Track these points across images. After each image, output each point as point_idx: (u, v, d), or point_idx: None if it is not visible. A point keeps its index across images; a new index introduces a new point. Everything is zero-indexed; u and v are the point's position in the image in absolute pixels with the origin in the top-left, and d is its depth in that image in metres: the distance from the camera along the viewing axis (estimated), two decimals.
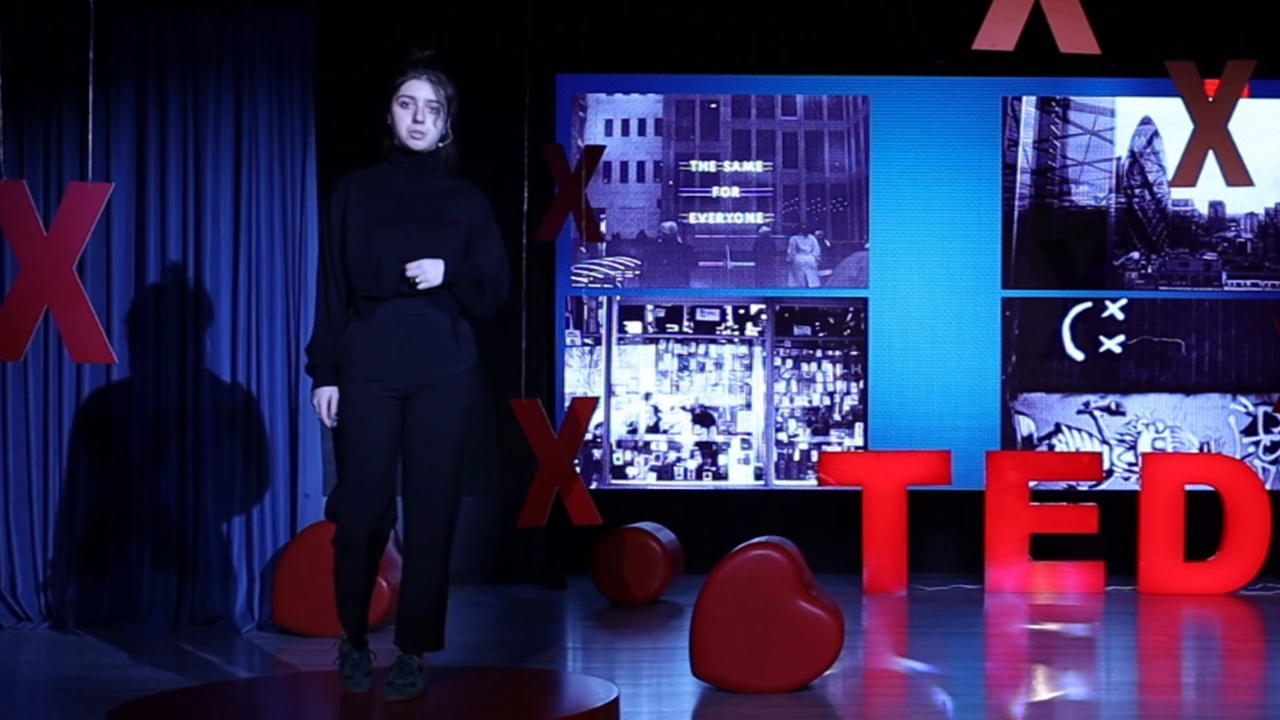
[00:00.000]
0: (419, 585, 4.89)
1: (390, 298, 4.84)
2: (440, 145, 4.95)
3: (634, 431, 8.99)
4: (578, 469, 7.41)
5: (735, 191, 9.06)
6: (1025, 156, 9.00)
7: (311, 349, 4.96)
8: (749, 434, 9.01)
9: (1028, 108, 9.00)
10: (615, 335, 9.00)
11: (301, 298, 7.04)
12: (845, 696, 5.65)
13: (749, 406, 9.02)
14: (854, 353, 9.00)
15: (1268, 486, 8.54)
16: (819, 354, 9.02)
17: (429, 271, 4.81)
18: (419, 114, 4.87)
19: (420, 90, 4.88)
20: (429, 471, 4.86)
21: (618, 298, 9.01)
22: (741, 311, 9.03)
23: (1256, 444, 8.97)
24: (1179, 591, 8.23)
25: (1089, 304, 9.02)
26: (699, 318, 9.03)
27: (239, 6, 7.05)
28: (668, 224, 9.05)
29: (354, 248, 4.86)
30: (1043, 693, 5.79)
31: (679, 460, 9.01)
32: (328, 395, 4.91)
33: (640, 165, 9.05)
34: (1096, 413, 9.00)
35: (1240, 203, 8.95)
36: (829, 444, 8.96)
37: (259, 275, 7.04)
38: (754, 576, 5.58)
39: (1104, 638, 7.10)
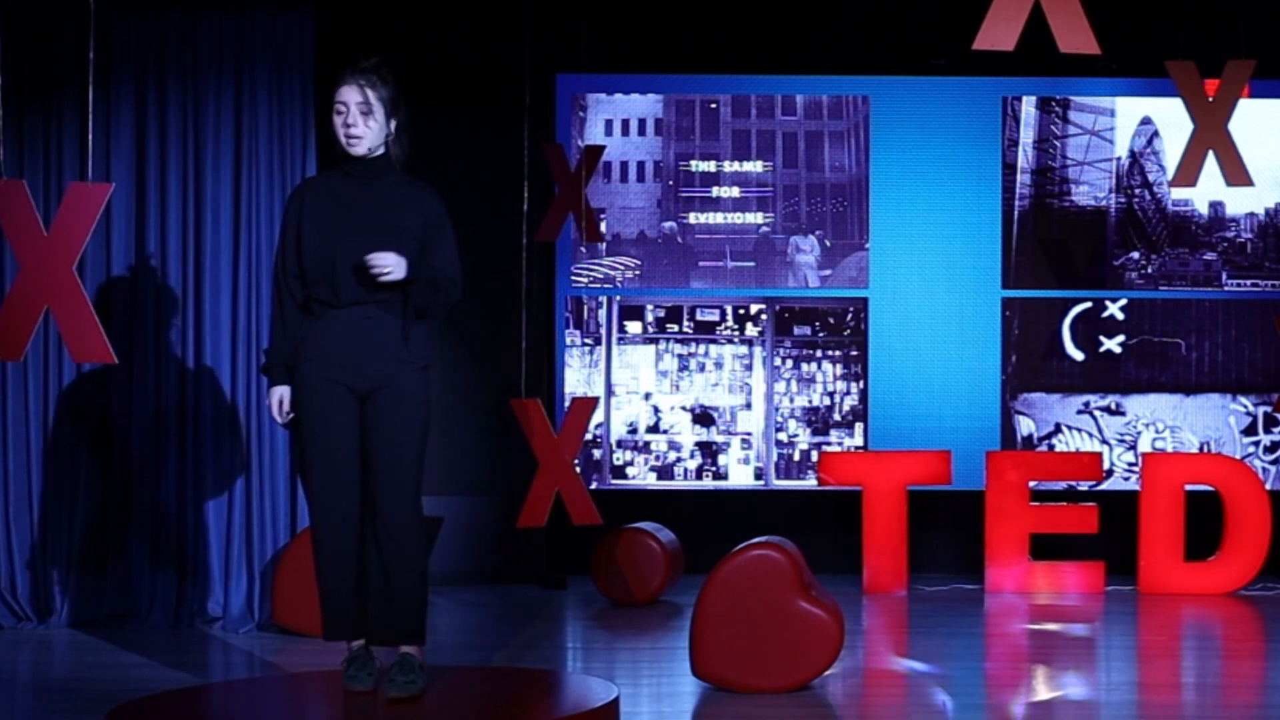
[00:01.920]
0: (389, 581, 4.89)
1: (343, 306, 4.88)
2: (387, 146, 4.98)
3: (634, 431, 8.99)
4: (578, 469, 7.41)
5: (735, 191, 9.06)
6: (1025, 156, 9.00)
7: (268, 351, 5.04)
8: (749, 434, 9.01)
9: (1028, 108, 9.00)
10: (615, 335, 9.00)
11: None
12: (845, 696, 5.65)
13: (749, 406, 9.02)
14: (854, 353, 9.00)
15: (1268, 486, 8.54)
16: (819, 354, 9.02)
17: (391, 263, 4.82)
18: (350, 118, 4.93)
19: (349, 95, 4.94)
20: (393, 470, 4.89)
21: (618, 298, 9.01)
22: (741, 311, 9.03)
23: (1256, 444, 8.97)
24: (1179, 591, 8.23)
25: (1089, 304, 9.02)
26: (699, 318, 9.03)
27: (239, 6, 7.05)
28: (668, 224, 9.05)
29: (309, 256, 4.91)
30: (1043, 693, 5.78)
31: (679, 460, 9.01)
32: (279, 394, 4.99)
33: (640, 165, 9.05)
34: (1096, 413, 9.00)
35: (1240, 203, 8.95)
36: (829, 444, 8.96)
37: (259, 275, 7.04)
38: (754, 576, 5.58)
39: (1104, 638, 7.10)
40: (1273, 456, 8.97)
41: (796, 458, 8.99)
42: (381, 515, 4.89)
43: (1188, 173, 7.29)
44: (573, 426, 7.27)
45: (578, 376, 8.98)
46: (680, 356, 9.02)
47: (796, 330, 9.02)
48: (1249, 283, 8.98)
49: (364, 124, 4.93)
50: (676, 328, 9.02)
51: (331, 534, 4.91)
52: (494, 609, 7.75)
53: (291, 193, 5.07)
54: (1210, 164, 7.25)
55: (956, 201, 8.99)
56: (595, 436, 8.91)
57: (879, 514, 8.30)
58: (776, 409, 9.00)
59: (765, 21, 8.92)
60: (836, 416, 9.00)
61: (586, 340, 9.00)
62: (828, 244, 9.02)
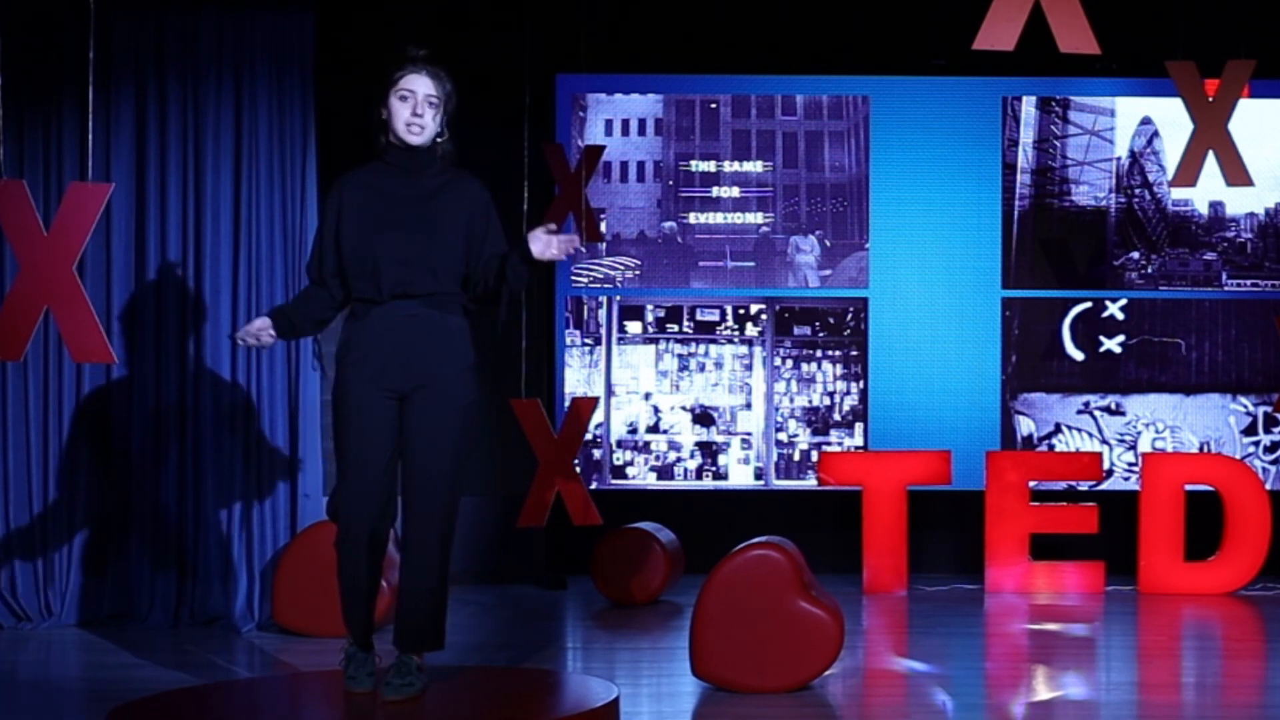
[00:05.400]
0: (417, 585, 4.88)
1: (386, 300, 4.84)
2: (437, 142, 4.94)
3: (634, 431, 8.99)
4: (578, 469, 7.41)
5: (735, 191, 9.06)
6: (1025, 156, 9.00)
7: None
8: (749, 434, 9.01)
9: (1028, 108, 9.00)
10: (615, 335, 9.00)
11: None
12: (845, 696, 5.65)
13: (749, 406, 9.02)
14: (854, 353, 9.00)
15: (1268, 486, 8.54)
16: (819, 354, 9.02)
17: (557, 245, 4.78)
18: (418, 108, 4.85)
19: (420, 84, 4.87)
20: (426, 472, 4.84)
21: (618, 298, 9.01)
22: (741, 311, 9.03)
23: (1256, 444, 8.97)
24: (1179, 591, 8.23)
25: (1089, 304, 9.02)
26: (699, 318, 9.03)
27: (239, 6, 7.05)
28: (668, 224, 9.05)
29: (350, 251, 4.85)
30: (1043, 693, 5.79)
31: (679, 460, 9.01)
32: (259, 321, 4.95)
33: (640, 165, 9.05)
34: (1096, 413, 9.00)
35: (1240, 203, 8.95)
36: (829, 444, 8.96)
37: (259, 275, 7.05)
38: (754, 576, 5.58)
39: (1104, 638, 7.10)
40: (1273, 456, 8.97)
41: (796, 458, 8.99)
42: (407, 518, 4.87)
43: (1188, 173, 7.29)
44: (573, 426, 7.27)
45: (578, 376, 8.98)
46: (680, 356, 9.02)
47: (796, 330, 9.02)
48: (1249, 283, 8.98)
49: (430, 115, 4.86)
50: (676, 328, 9.02)
51: (353, 538, 4.86)
52: (494, 609, 7.74)
53: (329, 189, 4.99)
54: (1210, 164, 7.25)
55: (956, 201, 8.98)
56: (595, 436, 8.91)
57: (879, 514, 8.30)
58: (776, 409, 9.00)
59: (765, 21, 8.92)
60: (836, 416, 9.00)
61: (586, 340, 9.00)
62: (828, 244, 9.02)
